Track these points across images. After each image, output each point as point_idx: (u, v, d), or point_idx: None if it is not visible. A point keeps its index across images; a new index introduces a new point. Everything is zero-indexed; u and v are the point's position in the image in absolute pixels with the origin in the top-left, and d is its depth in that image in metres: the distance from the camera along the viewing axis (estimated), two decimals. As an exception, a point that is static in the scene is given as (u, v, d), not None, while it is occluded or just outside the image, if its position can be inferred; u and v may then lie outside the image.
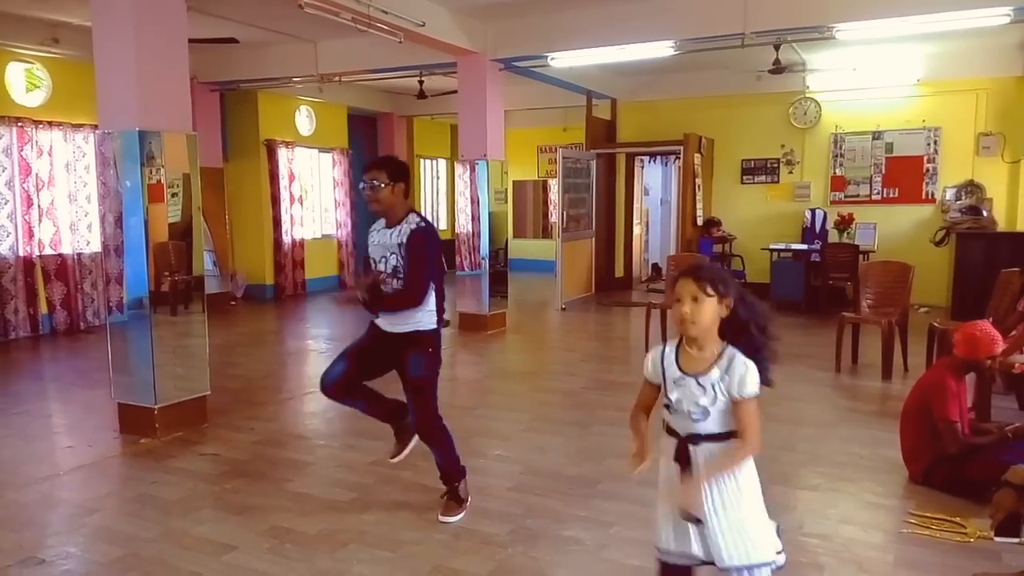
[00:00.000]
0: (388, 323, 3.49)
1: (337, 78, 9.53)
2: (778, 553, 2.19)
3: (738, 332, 2.15)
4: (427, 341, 3.48)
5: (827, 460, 4.26)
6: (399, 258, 3.41)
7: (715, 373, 2.11)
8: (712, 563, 2.15)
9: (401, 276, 3.41)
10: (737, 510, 2.11)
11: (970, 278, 8.24)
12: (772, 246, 9.97)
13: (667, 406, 2.18)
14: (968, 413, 3.98)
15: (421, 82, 9.97)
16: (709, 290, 2.09)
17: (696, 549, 2.15)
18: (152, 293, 4.68)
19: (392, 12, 6.68)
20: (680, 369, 2.16)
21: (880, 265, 7.04)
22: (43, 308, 8.26)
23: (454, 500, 3.58)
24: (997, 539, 3.13)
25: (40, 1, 7.03)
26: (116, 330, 4.92)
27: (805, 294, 9.52)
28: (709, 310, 2.10)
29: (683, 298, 2.12)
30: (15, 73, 8.06)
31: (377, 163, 3.52)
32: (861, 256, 9.12)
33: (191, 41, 5.06)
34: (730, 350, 2.13)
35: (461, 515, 3.55)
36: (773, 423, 4.96)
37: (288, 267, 11.26)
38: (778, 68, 8.27)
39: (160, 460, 4.34)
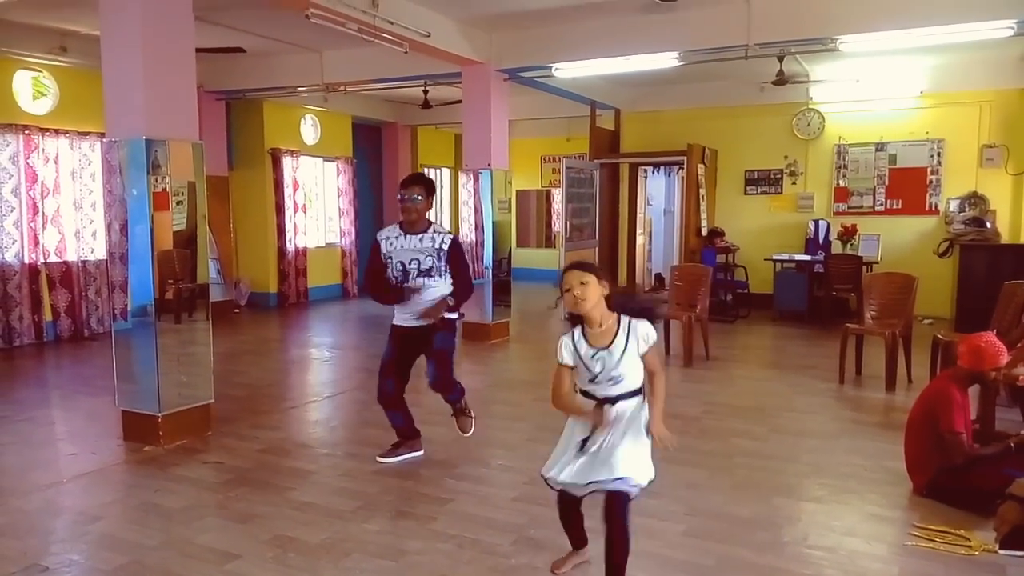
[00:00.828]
0: (415, 320, 4.19)
1: (342, 87, 9.58)
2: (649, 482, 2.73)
3: (621, 304, 2.71)
4: (450, 324, 4.28)
5: (831, 472, 4.25)
6: (435, 260, 4.14)
7: (620, 339, 2.65)
8: (591, 489, 2.74)
9: (434, 275, 4.16)
10: (637, 439, 2.68)
11: (974, 290, 8.22)
12: (775, 257, 9.98)
13: (591, 379, 2.67)
14: (972, 425, 3.97)
15: (426, 92, 10.02)
16: (588, 275, 2.65)
17: (586, 478, 2.71)
18: (156, 301, 4.69)
19: (397, 22, 6.72)
20: (591, 346, 2.67)
21: (884, 276, 7.03)
22: (48, 315, 8.28)
23: (462, 415, 4.53)
24: (1002, 552, 3.12)
25: (48, 10, 7.08)
26: (120, 338, 4.93)
27: (808, 305, 9.52)
28: (594, 290, 2.64)
29: (572, 285, 2.64)
30: (22, 81, 8.11)
31: (415, 179, 4.26)
32: (864, 267, 9.11)
33: (198, 50, 5.09)
34: (623, 318, 2.68)
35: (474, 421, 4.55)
36: (777, 434, 4.96)
37: (292, 275, 11.29)
38: (781, 79, 8.30)
39: (164, 468, 4.35)
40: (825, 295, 9.31)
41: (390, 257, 4.18)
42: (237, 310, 10.61)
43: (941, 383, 3.95)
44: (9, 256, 7.87)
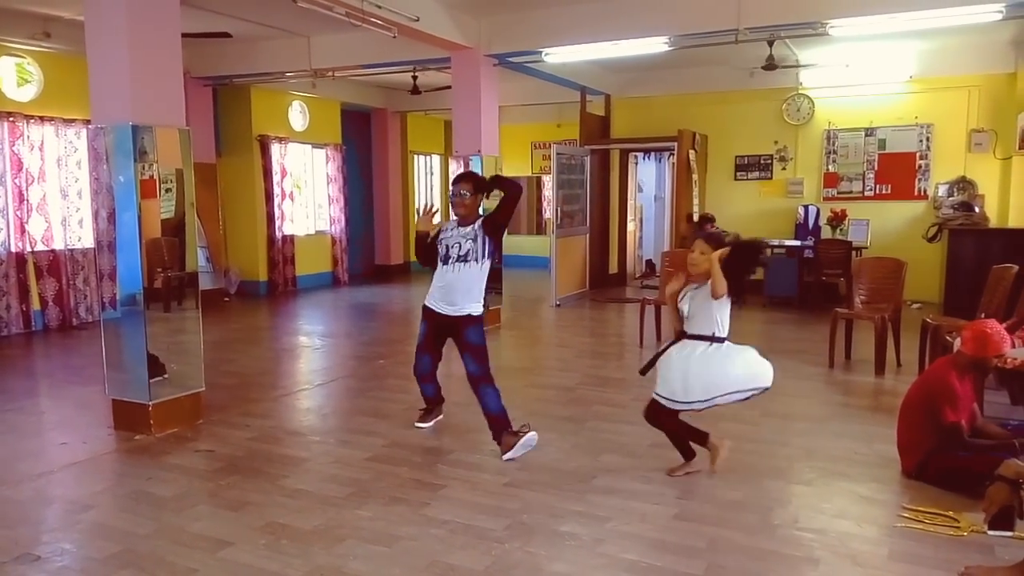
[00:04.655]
0: (449, 309, 4.35)
1: (330, 73, 9.50)
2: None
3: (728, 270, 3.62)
4: (479, 319, 4.41)
5: (821, 455, 4.28)
6: (472, 243, 4.29)
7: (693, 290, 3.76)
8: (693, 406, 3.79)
9: (469, 259, 4.29)
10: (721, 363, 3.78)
11: (962, 274, 8.28)
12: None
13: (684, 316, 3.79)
14: (974, 409, 3.94)
15: (415, 77, 9.95)
16: (707, 247, 3.63)
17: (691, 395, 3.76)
18: (145, 289, 4.65)
19: (386, 7, 6.66)
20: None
21: (873, 261, 7.06)
22: (36, 304, 8.22)
23: (512, 435, 4.25)
24: (990, 532, 3.14)
25: (31, -5, 6.99)
26: (110, 326, 4.89)
27: (798, 290, 9.55)
28: (706, 260, 3.63)
29: (694, 249, 3.67)
30: (6, 68, 8.00)
31: (465, 176, 4.46)
32: (854, 252, 9.14)
33: (184, 35, 5.03)
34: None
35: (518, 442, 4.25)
36: (767, 418, 4.99)
37: (282, 263, 11.24)
38: (771, 64, 8.29)
39: (155, 456, 4.33)
40: (815, 280, 9.35)
41: (444, 242, 4.38)
42: (227, 298, 10.55)
43: (941, 370, 3.89)
44: (-5, 245, 7.80)
